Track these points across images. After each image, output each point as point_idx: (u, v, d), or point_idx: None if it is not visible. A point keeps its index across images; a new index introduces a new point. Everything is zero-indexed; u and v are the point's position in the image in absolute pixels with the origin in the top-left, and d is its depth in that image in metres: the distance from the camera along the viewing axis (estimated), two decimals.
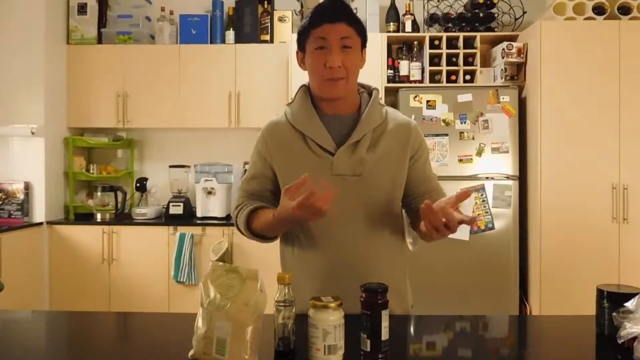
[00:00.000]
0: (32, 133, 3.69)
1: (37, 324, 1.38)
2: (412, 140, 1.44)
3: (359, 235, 1.39)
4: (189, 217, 3.91)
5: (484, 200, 3.33)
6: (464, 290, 3.36)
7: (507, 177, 3.36)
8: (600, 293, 1.19)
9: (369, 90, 1.49)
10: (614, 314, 1.07)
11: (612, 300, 1.16)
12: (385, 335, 1.02)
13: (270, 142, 1.45)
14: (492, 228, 3.33)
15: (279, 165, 1.44)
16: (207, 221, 3.81)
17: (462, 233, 3.20)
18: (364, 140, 1.39)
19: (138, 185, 4.08)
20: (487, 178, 3.36)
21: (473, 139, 3.37)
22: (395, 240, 1.46)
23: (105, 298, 3.76)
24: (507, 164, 3.36)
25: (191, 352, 1.08)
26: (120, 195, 3.99)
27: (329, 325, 1.01)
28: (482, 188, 3.35)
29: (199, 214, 3.91)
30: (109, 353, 1.17)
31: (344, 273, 1.39)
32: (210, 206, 3.89)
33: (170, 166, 4.09)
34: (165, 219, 3.90)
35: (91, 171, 4.06)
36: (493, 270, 3.37)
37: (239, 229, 1.49)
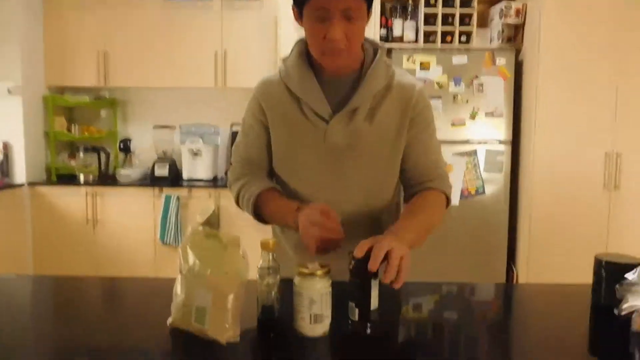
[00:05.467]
0: (9, 91, 3.55)
1: (21, 288, 1.32)
2: (413, 104, 1.27)
3: (353, 209, 1.32)
4: (174, 179, 3.83)
5: (475, 165, 3.28)
6: (452, 253, 3.34)
7: (500, 142, 3.30)
8: (598, 263, 1.14)
9: (375, 47, 1.32)
10: (618, 286, 1.02)
11: (610, 271, 1.11)
12: (374, 304, 0.97)
13: (264, 104, 1.33)
14: (483, 193, 3.29)
15: (272, 130, 1.34)
16: (194, 183, 3.74)
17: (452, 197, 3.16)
18: (363, 108, 1.25)
19: (122, 146, 3.97)
20: (479, 143, 3.30)
21: (467, 102, 3.29)
22: (390, 217, 1.38)
23: (90, 260, 3.71)
24: (500, 128, 3.30)
25: (170, 320, 1.02)
26: (103, 156, 3.89)
27: (315, 293, 0.95)
28: (474, 153, 3.29)
29: (185, 176, 3.83)
30: (89, 318, 1.11)
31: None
32: (196, 168, 3.81)
33: (155, 127, 3.98)
34: (150, 180, 3.82)
35: (73, 132, 3.93)
36: (482, 235, 3.34)
37: (238, 205, 1.40)
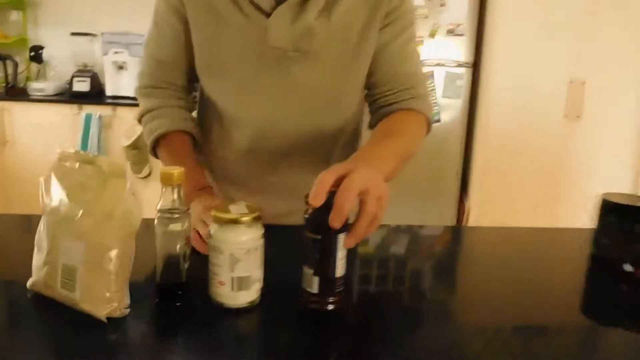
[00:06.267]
0: None
1: None
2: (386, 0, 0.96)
3: (300, 134, 1.01)
4: (96, 95, 3.36)
5: (432, 90, 3.01)
6: (400, 185, 3.12)
7: (460, 65, 3.02)
8: (605, 205, 0.90)
9: None
10: None
11: (621, 215, 0.88)
12: (340, 269, 0.69)
13: None
14: (438, 120, 3.05)
15: (193, 26, 0.99)
16: (118, 100, 3.28)
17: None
18: (316, 0, 0.91)
19: (33, 54, 3.43)
20: (438, 65, 3.01)
21: (426, 18, 2.96)
22: (347, 148, 1.08)
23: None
24: (461, 49, 3.00)
25: (30, 282, 0.71)
26: (10, 65, 3.35)
27: (239, 248, 0.66)
28: (431, 76, 3.01)
29: (108, 92, 3.37)
30: None
31: (278, 180, 1.04)
32: (121, 83, 3.35)
33: (73, 34, 3.44)
34: (68, 96, 3.34)
35: None
36: (434, 165, 3.13)
37: (139, 122, 1.08)
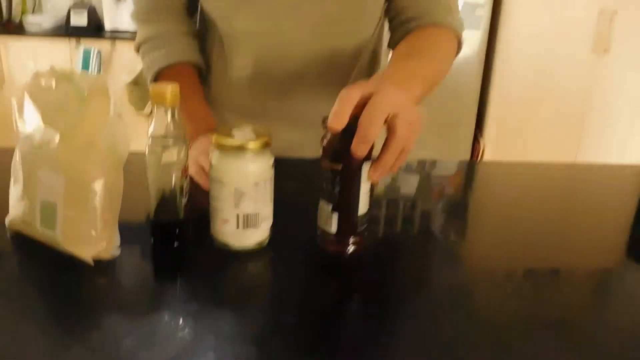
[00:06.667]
0: None
1: None
2: None
3: (313, 54, 0.89)
4: (95, 29, 3.20)
5: None
6: None
7: None
8: None
9: None
10: None
11: None
12: (363, 206, 0.59)
13: None
14: None
15: None
16: (118, 35, 3.12)
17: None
18: None
19: None
20: None
21: None
22: (366, 70, 0.96)
23: None
24: None
25: (8, 219, 0.62)
26: None
27: (245, 180, 0.56)
28: None
29: (107, 27, 3.20)
30: None
31: (286, 108, 0.93)
32: (121, 16, 3.17)
33: None
34: (65, 31, 3.18)
35: None
36: (448, 102, 2.99)
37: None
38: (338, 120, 0.52)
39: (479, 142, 3.13)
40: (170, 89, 0.56)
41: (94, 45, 3.03)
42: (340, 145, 0.54)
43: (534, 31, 2.76)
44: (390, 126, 0.55)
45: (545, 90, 2.85)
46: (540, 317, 0.51)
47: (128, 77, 3.16)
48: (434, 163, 0.97)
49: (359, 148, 0.52)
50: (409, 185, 0.87)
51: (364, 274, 0.58)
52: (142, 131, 0.58)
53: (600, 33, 2.73)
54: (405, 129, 0.55)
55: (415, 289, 0.56)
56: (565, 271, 0.61)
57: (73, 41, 3.06)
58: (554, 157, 3.02)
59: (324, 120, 0.54)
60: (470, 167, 1.10)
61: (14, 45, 3.06)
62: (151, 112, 0.60)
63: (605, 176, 0.95)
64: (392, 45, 0.88)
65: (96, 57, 3.02)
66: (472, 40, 2.88)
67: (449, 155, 3.10)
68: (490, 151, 2.99)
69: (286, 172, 0.63)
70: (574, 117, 2.85)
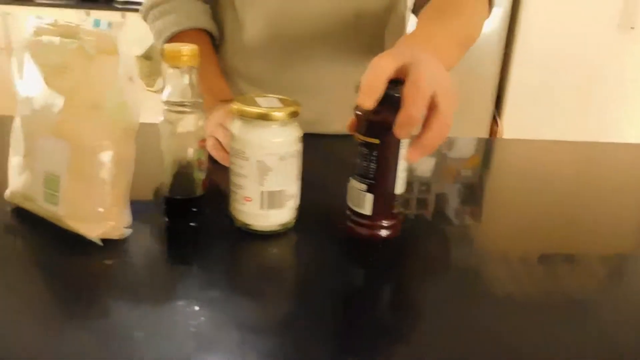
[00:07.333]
0: None
1: None
2: None
3: (334, 10, 0.81)
4: (105, 0, 3.12)
5: None
6: None
7: None
8: None
9: None
10: None
11: None
12: (400, 186, 0.53)
13: None
14: None
15: None
16: (129, 6, 3.04)
17: None
18: None
19: None
20: None
21: None
22: (393, 37, 0.89)
23: (4, 96, 3.12)
24: None
25: (7, 192, 0.56)
26: None
27: (271, 154, 0.50)
28: None
29: None
30: None
31: (306, 77, 0.86)
32: None
33: None
34: (75, 0, 3.10)
35: None
36: (466, 81, 2.89)
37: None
38: (369, 98, 0.46)
39: (497, 122, 3.04)
40: (187, 50, 0.50)
41: (104, 16, 2.96)
42: (377, 116, 0.48)
43: (558, 8, 2.65)
44: (432, 102, 0.49)
45: (567, 69, 2.74)
46: (558, 300, 0.45)
47: (139, 51, 3.07)
48: (451, 141, 0.91)
49: (402, 131, 0.46)
50: (427, 165, 0.81)
51: (396, 260, 0.52)
52: (153, 111, 0.52)
53: (628, 9, 2.62)
54: (447, 104, 0.49)
55: (441, 276, 0.50)
56: (582, 255, 0.55)
57: (82, 12, 2.99)
58: (576, 138, 2.93)
59: (357, 88, 0.48)
60: (489, 145, 1.04)
61: (21, 14, 2.99)
62: (162, 88, 0.53)
63: (632, 155, 0.89)
64: (418, 6, 0.81)
65: (106, 28, 2.94)
66: (494, 17, 2.77)
67: (467, 134, 3.02)
68: (509, 131, 2.91)
69: (311, 148, 0.56)
70: (597, 96, 2.75)
